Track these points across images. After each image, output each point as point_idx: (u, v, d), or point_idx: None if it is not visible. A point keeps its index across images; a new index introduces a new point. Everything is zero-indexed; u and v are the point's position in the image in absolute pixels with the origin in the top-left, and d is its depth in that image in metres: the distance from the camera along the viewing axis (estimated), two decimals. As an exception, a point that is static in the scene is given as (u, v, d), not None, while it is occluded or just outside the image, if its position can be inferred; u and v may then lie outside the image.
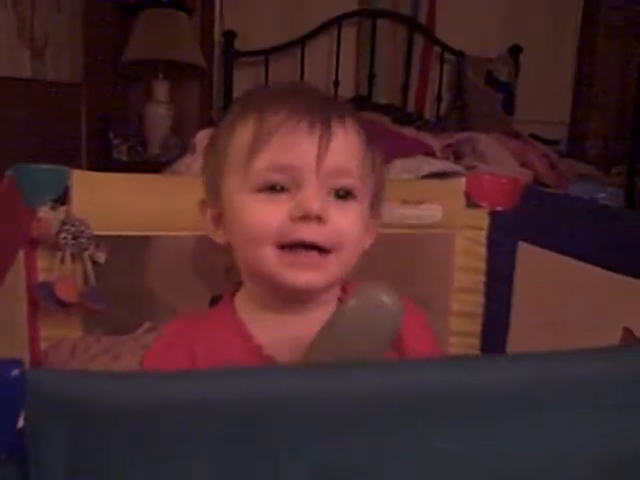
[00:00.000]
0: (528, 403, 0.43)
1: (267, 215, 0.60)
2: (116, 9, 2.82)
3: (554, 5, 3.17)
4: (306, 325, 0.60)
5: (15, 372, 0.34)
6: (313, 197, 0.59)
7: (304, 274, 0.61)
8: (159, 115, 2.88)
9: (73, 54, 2.43)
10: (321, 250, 0.61)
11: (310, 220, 0.59)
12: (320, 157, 0.60)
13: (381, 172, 0.69)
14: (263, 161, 0.60)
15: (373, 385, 0.37)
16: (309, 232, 0.60)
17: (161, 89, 2.88)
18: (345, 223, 0.62)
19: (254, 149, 0.61)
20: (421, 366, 0.40)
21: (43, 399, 0.34)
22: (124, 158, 2.80)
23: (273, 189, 0.61)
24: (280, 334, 0.64)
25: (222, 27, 3.06)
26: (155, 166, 2.50)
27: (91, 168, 2.42)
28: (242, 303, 0.69)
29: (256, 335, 0.65)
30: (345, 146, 0.62)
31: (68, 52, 2.38)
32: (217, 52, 3.08)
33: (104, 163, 2.68)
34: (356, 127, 0.65)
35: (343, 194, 0.62)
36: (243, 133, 0.62)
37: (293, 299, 0.64)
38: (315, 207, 0.59)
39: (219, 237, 0.68)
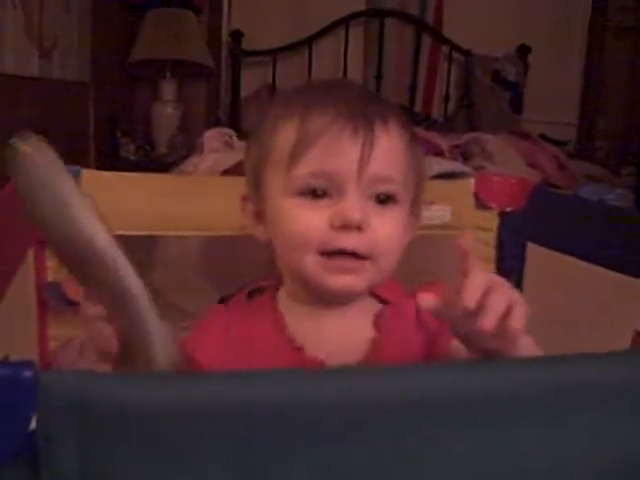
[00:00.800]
0: (537, 406, 0.42)
1: (309, 223, 0.61)
2: (124, 8, 2.83)
3: (562, 4, 3.16)
4: (339, 321, 0.66)
5: (27, 373, 0.34)
6: (354, 206, 0.60)
7: (343, 279, 0.63)
8: (166, 114, 2.88)
9: (81, 53, 2.43)
10: (360, 256, 0.62)
11: (350, 229, 0.60)
12: (362, 165, 0.60)
13: (422, 170, 0.69)
14: (305, 167, 0.61)
15: (378, 389, 0.37)
16: (349, 241, 0.61)
17: (168, 88, 2.88)
18: (385, 230, 0.63)
19: (297, 153, 0.61)
20: (427, 370, 0.40)
21: (55, 401, 0.34)
22: (132, 157, 2.80)
23: (314, 194, 0.61)
24: (314, 329, 0.67)
25: (230, 27, 3.06)
26: (163, 165, 2.50)
27: (99, 167, 2.43)
28: (282, 296, 0.71)
29: (291, 328, 0.67)
30: (388, 152, 0.62)
31: (76, 51, 2.38)
32: (224, 52, 3.08)
33: (112, 162, 2.69)
34: (399, 130, 0.64)
35: (384, 199, 0.63)
36: (286, 132, 0.62)
37: (330, 299, 0.66)
38: (356, 217, 0.60)
39: (260, 233, 0.69)
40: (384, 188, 0.63)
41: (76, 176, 1.01)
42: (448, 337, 0.68)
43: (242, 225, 0.72)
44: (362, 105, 0.62)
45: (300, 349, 0.66)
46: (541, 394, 0.42)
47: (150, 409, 0.34)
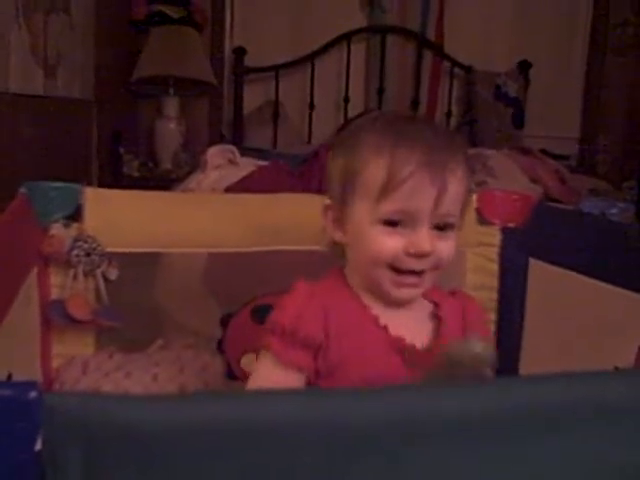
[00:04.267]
0: (553, 423, 0.43)
1: (387, 246, 0.74)
2: (127, 27, 2.85)
3: (562, 20, 3.18)
4: (405, 313, 0.79)
5: (33, 394, 0.34)
6: (426, 239, 0.73)
7: (407, 291, 0.76)
8: (169, 131, 2.90)
9: (84, 71, 2.45)
10: (422, 272, 0.76)
11: (421, 257, 0.74)
12: (436, 207, 0.73)
13: (470, 193, 0.82)
14: (391, 204, 0.73)
15: (391, 409, 0.37)
16: (418, 265, 0.74)
17: (171, 105, 2.90)
18: (445, 252, 0.75)
19: (386, 192, 0.73)
20: (443, 391, 0.40)
21: (60, 421, 0.34)
22: (135, 174, 2.81)
23: (393, 224, 0.74)
24: (386, 315, 0.77)
25: (232, 44, 3.09)
26: (166, 182, 2.51)
27: (102, 184, 2.45)
28: (352, 281, 0.80)
29: (370, 306, 0.78)
30: (454, 195, 0.75)
31: (80, 69, 2.40)
32: (227, 68, 3.10)
33: (115, 179, 2.70)
34: (463, 176, 0.76)
35: (444, 226, 0.75)
36: (377, 168, 0.74)
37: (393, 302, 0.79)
38: (427, 248, 0.73)
39: (337, 237, 0.80)
40: (447, 220, 0.75)
41: (78, 194, 1.02)
42: None
43: (324, 231, 0.82)
44: (439, 155, 0.74)
45: (385, 327, 0.77)
46: (550, 413, 0.42)
47: (154, 430, 0.34)
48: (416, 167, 0.72)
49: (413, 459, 0.39)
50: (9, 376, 0.73)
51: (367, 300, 0.78)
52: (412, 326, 0.78)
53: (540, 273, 1.12)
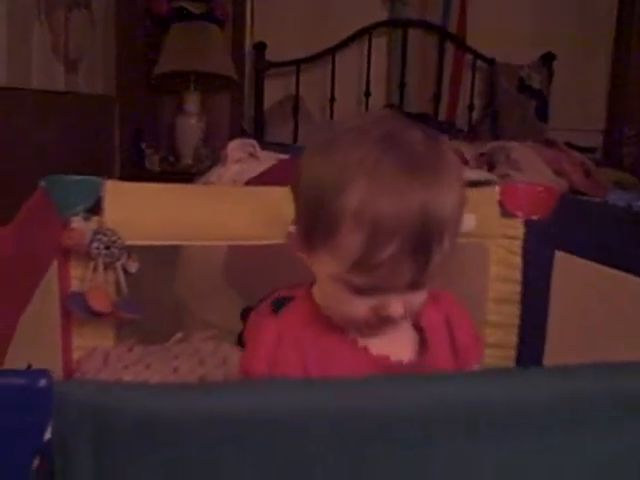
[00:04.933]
0: (575, 416, 0.41)
1: (356, 311, 0.66)
2: (148, 22, 2.86)
3: (587, 10, 3.13)
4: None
5: (42, 382, 0.33)
6: (400, 306, 0.65)
7: (378, 330, 0.69)
8: (191, 126, 2.90)
9: (106, 67, 2.46)
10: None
11: (393, 320, 0.66)
12: (414, 281, 0.64)
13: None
14: (362, 280, 0.64)
15: (417, 399, 0.36)
16: (391, 325, 0.67)
17: (192, 100, 2.90)
18: (417, 304, 0.68)
19: (359, 268, 0.63)
20: (469, 378, 0.39)
21: (71, 410, 0.33)
22: (157, 169, 2.82)
23: (361, 293, 0.65)
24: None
25: (252, 38, 3.08)
26: (187, 177, 2.51)
27: (124, 179, 2.45)
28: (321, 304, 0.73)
29: (345, 328, 0.71)
30: (438, 263, 0.64)
31: (101, 66, 2.41)
32: (248, 63, 3.10)
33: (137, 174, 2.71)
34: (451, 238, 0.65)
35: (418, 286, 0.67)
36: (352, 239, 0.62)
37: None
38: (399, 314, 0.66)
39: (304, 258, 0.71)
40: (423, 282, 0.66)
41: (98, 187, 1.02)
42: (474, 356, 0.78)
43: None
44: (430, 226, 0.62)
45: (365, 349, 0.70)
46: (579, 404, 0.41)
47: (168, 420, 0.33)
48: (399, 247, 0.61)
49: (433, 449, 0.38)
50: (28, 367, 0.73)
51: (338, 323, 0.71)
52: (394, 341, 0.71)
53: (565, 265, 1.09)
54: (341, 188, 0.62)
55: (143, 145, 2.78)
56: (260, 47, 3.03)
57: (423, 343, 0.73)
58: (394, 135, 0.65)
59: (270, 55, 3.03)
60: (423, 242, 0.62)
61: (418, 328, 0.74)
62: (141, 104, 2.81)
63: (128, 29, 2.61)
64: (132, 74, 2.68)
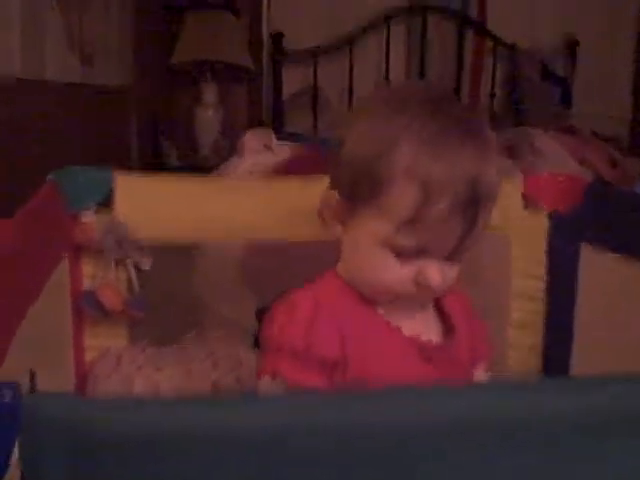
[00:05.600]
0: (593, 431, 0.38)
1: (396, 277, 0.66)
2: (164, 12, 2.83)
3: (612, -6, 3.05)
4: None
5: (9, 396, 0.31)
6: (438, 274, 0.66)
7: (408, 304, 0.70)
8: (208, 118, 2.87)
9: (122, 58, 2.44)
10: None
11: (431, 289, 0.67)
12: (458, 246, 0.65)
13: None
14: (410, 240, 0.64)
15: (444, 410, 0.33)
16: (427, 295, 0.70)
17: (210, 91, 2.87)
18: (451, 279, 0.69)
19: (409, 225, 0.63)
20: (501, 389, 0.36)
21: (40, 425, 0.30)
22: (174, 162, 2.80)
23: (404, 256, 0.66)
24: (392, 309, 0.71)
25: (270, 28, 3.04)
26: (205, 169, 2.48)
27: (142, 172, 2.43)
28: (351, 282, 0.72)
29: (377, 308, 0.71)
30: (481, 230, 0.66)
31: (117, 56, 2.39)
32: (265, 53, 3.06)
33: (154, 167, 2.69)
34: (494, 201, 0.67)
35: (456, 258, 0.68)
36: (404, 196, 0.63)
37: None
38: (439, 282, 0.66)
39: (335, 231, 0.71)
40: (462, 254, 0.67)
41: (109, 179, 0.99)
42: (485, 362, 0.79)
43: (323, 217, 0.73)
44: (479, 188, 0.63)
45: (399, 329, 0.70)
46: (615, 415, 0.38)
47: (143, 436, 0.31)
48: (451, 205, 0.62)
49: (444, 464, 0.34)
50: (32, 376, 0.71)
51: (372, 301, 0.71)
52: (422, 323, 0.73)
53: (593, 260, 1.05)
54: (391, 146, 0.63)
55: (161, 138, 2.76)
56: (277, 36, 2.99)
57: (449, 327, 0.74)
58: (437, 101, 0.66)
59: (288, 44, 2.99)
60: (472, 205, 0.63)
61: (443, 313, 0.75)
62: (158, 96, 2.78)
63: (144, 19, 2.58)
64: (149, 65, 2.66)
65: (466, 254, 0.68)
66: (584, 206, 1.09)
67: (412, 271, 0.66)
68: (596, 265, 1.05)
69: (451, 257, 0.66)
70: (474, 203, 0.63)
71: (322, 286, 0.72)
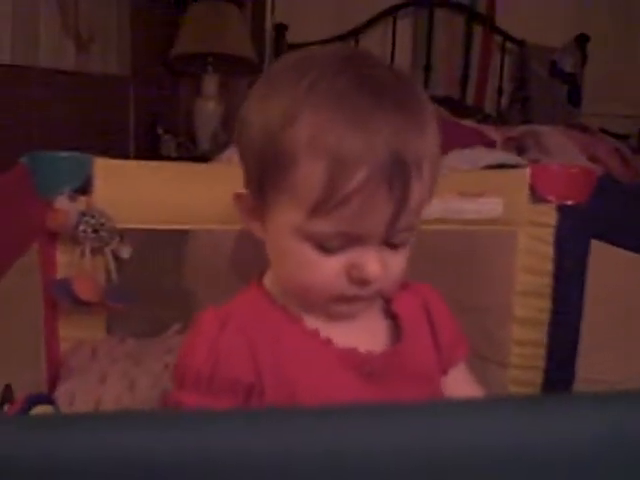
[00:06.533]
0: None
1: (326, 274, 0.55)
2: (165, 1, 2.77)
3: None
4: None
5: None
6: (375, 264, 0.55)
7: (349, 308, 0.59)
8: (209, 110, 2.81)
9: (121, 47, 2.38)
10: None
11: (366, 284, 0.56)
12: (391, 227, 0.54)
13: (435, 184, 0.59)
14: (328, 225, 0.53)
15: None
16: (365, 292, 0.57)
17: (211, 83, 2.81)
18: (397, 269, 0.58)
19: (322, 208, 0.52)
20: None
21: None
22: (173, 154, 2.74)
23: (330, 248, 0.55)
24: (325, 322, 0.61)
25: (273, 19, 2.98)
26: (204, 162, 2.42)
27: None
28: (274, 289, 0.63)
29: (305, 320, 0.61)
30: (418, 203, 0.55)
31: (115, 45, 2.33)
32: (268, 45, 3.00)
33: (152, 159, 2.63)
34: (431, 168, 0.55)
35: (397, 244, 0.57)
36: (311, 173, 0.52)
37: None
38: (377, 273, 0.55)
39: (255, 230, 0.61)
40: (404, 236, 0.57)
41: (87, 165, 0.93)
42: (461, 354, 0.70)
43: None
44: (404, 151, 0.52)
45: (329, 341, 0.60)
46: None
47: (66, 462, 0.24)
48: (369, 176, 0.50)
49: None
50: (7, 387, 0.65)
51: (298, 311, 0.61)
52: (361, 330, 0.62)
53: (602, 256, 0.99)
54: (289, 119, 0.52)
55: (159, 129, 2.70)
56: (281, 28, 2.93)
57: (398, 330, 0.64)
58: (347, 58, 0.55)
59: (291, 36, 2.93)
60: (398, 176, 0.51)
61: (391, 315, 0.65)
62: (157, 86, 2.72)
63: (144, 7, 2.52)
64: (148, 54, 2.60)
65: (411, 237, 0.57)
66: (594, 199, 1.02)
67: (342, 263, 0.55)
68: (606, 261, 0.99)
69: (390, 242, 0.56)
70: (401, 173, 0.51)
71: (237, 300, 0.62)
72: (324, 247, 0.54)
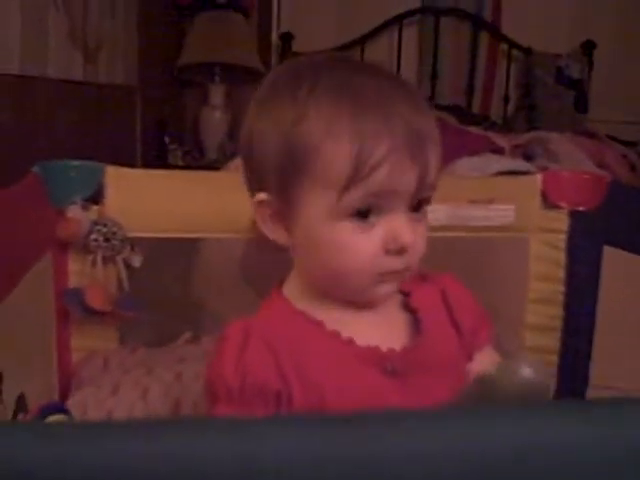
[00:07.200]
0: None
1: (364, 251, 0.58)
2: (171, 11, 2.78)
3: (629, -3, 2.98)
4: (370, 312, 0.63)
5: None
6: (406, 230, 0.59)
7: (384, 288, 0.61)
8: (215, 120, 2.82)
9: (128, 57, 2.39)
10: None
11: (403, 252, 0.59)
12: (419, 188, 0.58)
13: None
14: (360, 191, 0.57)
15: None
16: (400, 264, 0.60)
17: (217, 93, 2.82)
18: (422, 240, 0.61)
19: (353, 182, 0.56)
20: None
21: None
22: (180, 163, 2.74)
23: (363, 214, 0.58)
24: (347, 322, 0.62)
25: (279, 29, 2.99)
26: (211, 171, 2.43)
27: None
28: (293, 295, 0.65)
29: (326, 322, 0.62)
30: (435, 166, 0.60)
31: (122, 55, 2.34)
32: (274, 54, 3.01)
33: (159, 168, 2.63)
34: (440, 138, 0.61)
35: (421, 203, 0.60)
36: (337, 154, 0.56)
37: (364, 304, 0.64)
38: (409, 239, 0.58)
39: (279, 238, 0.62)
40: (426, 195, 0.60)
41: (99, 174, 0.93)
42: (484, 338, 0.69)
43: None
44: (416, 120, 0.58)
45: (351, 340, 0.61)
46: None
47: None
48: (389, 149, 0.55)
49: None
50: (20, 397, 0.64)
51: (317, 314, 0.62)
52: (381, 327, 0.63)
53: (616, 262, 0.98)
54: (299, 116, 0.57)
55: (166, 139, 2.71)
56: (287, 37, 2.94)
57: (417, 325, 0.65)
58: (342, 57, 0.64)
59: (297, 46, 2.94)
60: (417, 143, 0.57)
61: (409, 309, 0.66)
62: (164, 96, 2.73)
63: (151, 17, 2.53)
64: (155, 64, 2.61)
65: (431, 198, 0.61)
66: (606, 205, 1.02)
67: (379, 236, 0.58)
68: (618, 268, 0.98)
69: (415, 206, 0.59)
70: (419, 141, 0.57)
71: (260, 312, 0.64)
72: (359, 215, 0.57)
